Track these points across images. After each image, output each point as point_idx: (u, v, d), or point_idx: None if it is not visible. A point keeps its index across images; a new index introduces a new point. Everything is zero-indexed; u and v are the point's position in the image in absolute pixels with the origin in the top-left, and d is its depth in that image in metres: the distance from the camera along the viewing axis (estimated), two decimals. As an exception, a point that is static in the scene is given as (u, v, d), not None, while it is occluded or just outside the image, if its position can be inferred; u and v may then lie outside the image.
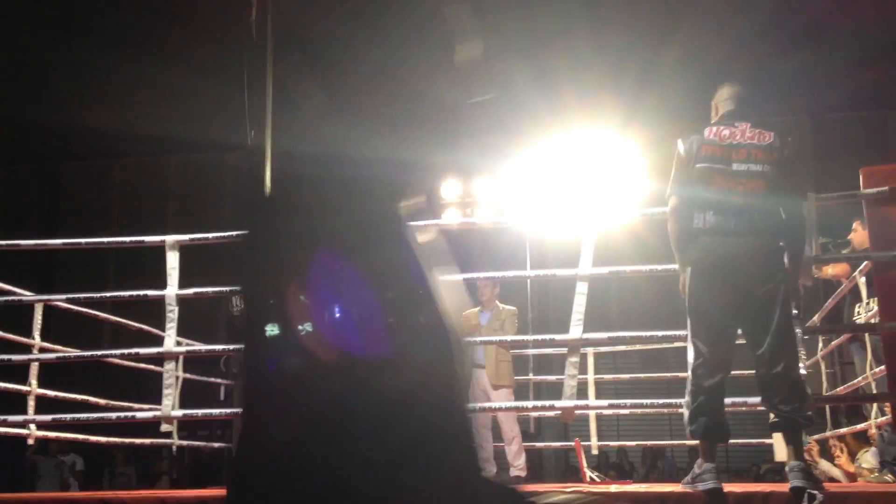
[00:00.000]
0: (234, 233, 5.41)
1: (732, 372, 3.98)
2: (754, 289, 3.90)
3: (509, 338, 7.13)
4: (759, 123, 4.05)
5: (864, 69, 13.23)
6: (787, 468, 3.78)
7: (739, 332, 4.07)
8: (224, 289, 5.71)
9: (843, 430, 6.27)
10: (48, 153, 17.58)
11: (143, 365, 7.42)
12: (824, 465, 6.24)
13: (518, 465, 7.03)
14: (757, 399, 4.07)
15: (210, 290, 5.67)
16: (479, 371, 7.11)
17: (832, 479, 5.87)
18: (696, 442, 4.04)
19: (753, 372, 3.99)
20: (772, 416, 3.95)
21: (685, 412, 3.96)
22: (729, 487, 3.87)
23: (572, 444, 7.18)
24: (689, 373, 3.97)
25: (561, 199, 10.64)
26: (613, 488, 4.30)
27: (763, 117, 4.13)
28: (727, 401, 4.48)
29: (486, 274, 5.49)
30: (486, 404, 6.82)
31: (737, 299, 3.92)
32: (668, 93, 12.28)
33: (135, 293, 5.60)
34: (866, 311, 5.68)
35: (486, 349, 7.04)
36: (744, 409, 4.65)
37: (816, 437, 6.40)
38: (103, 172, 18.24)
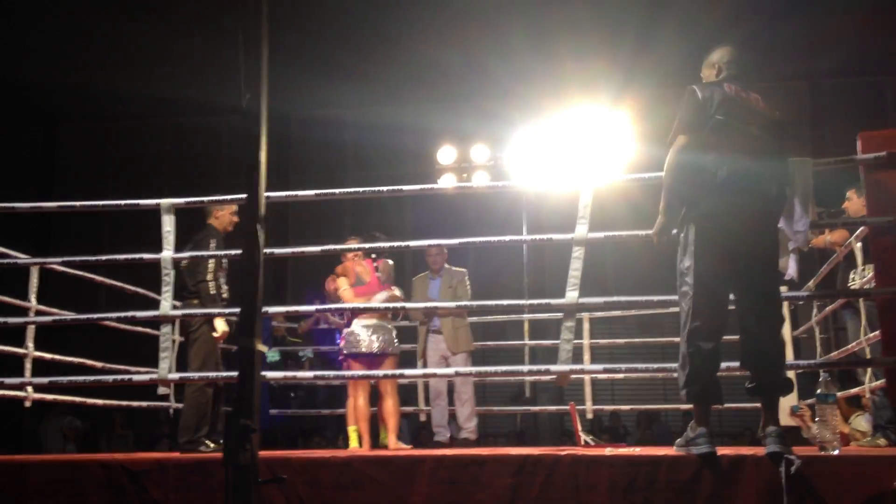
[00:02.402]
0: (229, 196, 5.41)
1: (726, 336, 3.99)
2: (753, 252, 3.91)
3: (505, 302, 7.11)
4: (759, 92, 4.06)
5: (862, 34, 13.18)
6: (764, 433, 3.80)
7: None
8: (219, 252, 5.70)
9: (837, 394, 6.31)
10: (43, 115, 17.51)
11: (139, 328, 7.44)
12: (816, 428, 6.28)
13: (469, 428, 7.07)
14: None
15: (206, 253, 5.67)
16: (436, 337, 7.09)
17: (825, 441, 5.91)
18: (690, 406, 4.07)
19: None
20: (749, 380, 3.97)
21: (680, 375, 3.96)
22: (722, 451, 3.90)
23: (567, 407, 7.21)
24: (685, 334, 3.92)
25: (557, 162, 10.61)
26: (608, 451, 4.33)
27: (756, 83, 4.14)
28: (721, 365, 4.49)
29: (477, 239, 5.47)
30: (446, 370, 6.71)
31: (736, 262, 3.91)
32: (664, 58, 12.21)
33: (130, 256, 5.59)
34: (860, 278, 5.70)
35: (443, 319, 7.03)
36: (737, 373, 4.67)
37: (809, 401, 6.44)
38: (99, 135, 18.15)
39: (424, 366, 7.13)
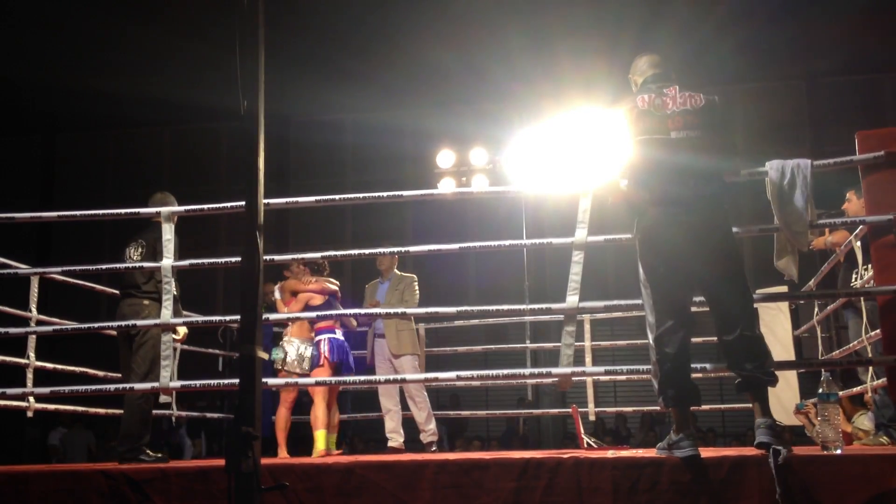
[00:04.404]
0: (229, 204, 5.39)
1: (713, 338, 4.04)
2: (703, 258, 3.95)
3: (506, 307, 7.12)
4: (686, 86, 4.05)
5: (859, 33, 13.19)
6: (754, 425, 3.83)
7: (700, 299, 4.15)
8: (220, 260, 5.70)
9: (840, 393, 6.30)
10: (43, 123, 17.53)
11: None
12: (819, 427, 6.27)
13: (429, 430, 7.11)
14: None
15: (206, 261, 5.66)
16: (381, 341, 7.16)
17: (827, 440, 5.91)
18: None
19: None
20: (735, 378, 3.99)
21: (654, 382, 4.04)
22: (725, 452, 3.90)
23: (570, 410, 7.20)
24: (651, 342, 4.05)
25: (557, 165, 10.61)
26: (610, 454, 4.33)
27: (685, 78, 4.12)
28: (711, 366, 4.51)
29: (477, 244, 5.45)
30: (448, 374, 6.75)
31: (688, 269, 3.98)
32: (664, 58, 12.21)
33: (131, 265, 5.59)
34: (861, 278, 5.69)
35: (387, 322, 7.09)
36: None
37: (812, 399, 6.44)
38: (98, 142, 18.17)
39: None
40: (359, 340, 7.67)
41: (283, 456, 6.75)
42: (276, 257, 5.35)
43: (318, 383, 6.34)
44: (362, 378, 6.34)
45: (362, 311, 6.74)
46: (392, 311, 6.31)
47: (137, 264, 5.59)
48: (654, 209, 3.98)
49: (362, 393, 8.66)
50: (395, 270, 7.28)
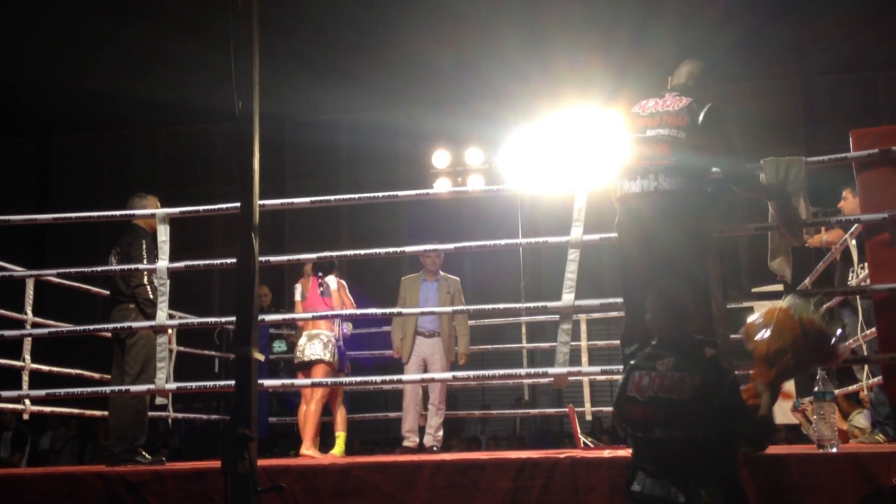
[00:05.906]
0: (224, 205, 5.39)
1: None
2: (654, 248, 3.92)
3: (501, 305, 7.12)
4: (685, 91, 4.10)
5: (854, 31, 13.20)
6: None
7: None
8: (215, 261, 5.69)
9: (836, 391, 6.30)
10: (37, 126, 17.50)
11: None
12: (815, 426, 6.27)
13: (438, 436, 7.12)
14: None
15: (201, 262, 5.66)
16: (424, 340, 7.07)
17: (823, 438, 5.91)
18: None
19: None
20: None
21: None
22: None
23: (566, 410, 7.19)
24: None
25: (552, 164, 10.61)
26: (607, 453, 4.33)
27: (700, 89, 4.15)
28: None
29: (473, 243, 5.45)
30: (445, 374, 6.79)
31: (647, 262, 3.94)
32: (658, 58, 12.22)
33: (126, 267, 5.59)
34: (857, 276, 5.70)
35: (442, 323, 7.03)
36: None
37: (809, 398, 6.43)
38: (93, 144, 18.14)
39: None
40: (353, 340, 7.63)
41: (311, 452, 6.53)
42: (272, 258, 5.34)
43: (314, 384, 6.33)
44: (359, 378, 6.33)
45: (376, 310, 6.69)
46: (388, 310, 6.28)
47: (134, 266, 5.57)
48: (620, 205, 4.07)
49: (360, 393, 8.64)
50: (441, 272, 7.21)
